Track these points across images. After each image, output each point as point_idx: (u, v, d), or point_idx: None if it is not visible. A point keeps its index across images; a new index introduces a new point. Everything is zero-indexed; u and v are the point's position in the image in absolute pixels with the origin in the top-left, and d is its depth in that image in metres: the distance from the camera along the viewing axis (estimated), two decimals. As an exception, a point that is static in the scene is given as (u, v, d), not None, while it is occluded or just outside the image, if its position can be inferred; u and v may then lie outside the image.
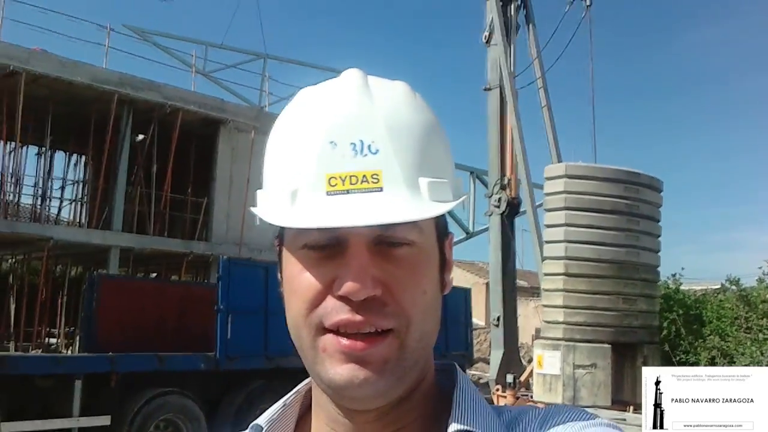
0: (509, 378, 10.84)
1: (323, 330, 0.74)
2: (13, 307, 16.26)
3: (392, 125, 0.73)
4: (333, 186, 0.71)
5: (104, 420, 8.81)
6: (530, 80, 12.54)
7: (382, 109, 0.74)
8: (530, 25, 12.76)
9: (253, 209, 0.78)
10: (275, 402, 0.87)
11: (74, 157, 19.35)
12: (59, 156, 19.13)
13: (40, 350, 14.26)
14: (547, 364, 9.65)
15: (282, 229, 0.79)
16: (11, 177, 16.90)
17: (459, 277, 29.01)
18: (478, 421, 0.76)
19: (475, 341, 25.18)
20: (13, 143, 16.37)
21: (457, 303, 14.13)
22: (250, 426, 0.84)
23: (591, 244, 9.60)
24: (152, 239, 16.26)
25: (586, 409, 0.84)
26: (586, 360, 9.42)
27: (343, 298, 0.72)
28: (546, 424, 0.77)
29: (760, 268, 11.77)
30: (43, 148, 17.76)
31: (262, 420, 0.84)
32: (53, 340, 16.52)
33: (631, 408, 8.46)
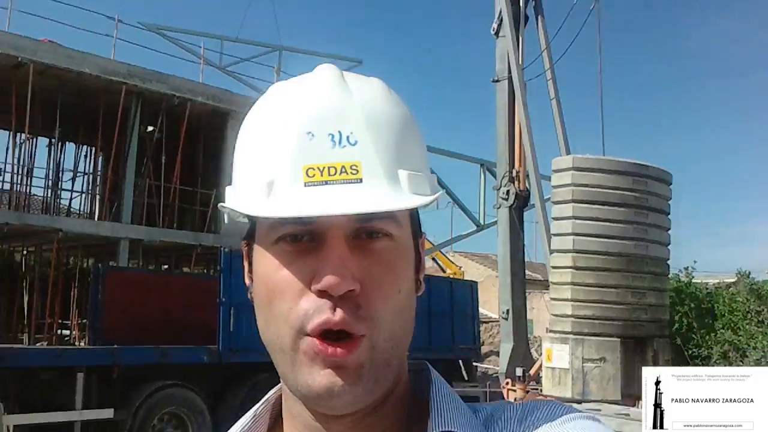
0: (518, 371, 10.78)
1: (304, 333, 0.70)
2: (25, 299, 16.33)
3: (370, 117, 0.73)
4: (311, 177, 0.69)
5: (107, 413, 8.84)
6: (539, 72, 12.38)
7: (359, 101, 0.73)
8: (539, 17, 12.58)
9: (221, 205, 0.76)
10: None
11: (84, 148, 19.40)
12: (71, 147, 19.20)
13: (46, 342, 14.32)
14: (555, 357, 9.59)
15: (252, 227, 0.77)
16: (22, 168, 16.90)
17: (472, 270, 28.93)
18: (458, 421, 0.75)
19: (488, 334, 25.19)
20: (23, 134, 16.38)
21: (463, 296, 14.07)
22: None
23: (599, 237, 9.49)
24: (161, 231, 16.25)
25: (570, 404, 0.77)
26: (595, 354, 9.33)
27: (323, 293, 0.69)
28: (525, 421, 0.75)
29: (772, 261, 11.61)
30: (53, 140, 17.79)
31: None
32: (66, 332, 16.61)
33: (639, 402, 8.37)
